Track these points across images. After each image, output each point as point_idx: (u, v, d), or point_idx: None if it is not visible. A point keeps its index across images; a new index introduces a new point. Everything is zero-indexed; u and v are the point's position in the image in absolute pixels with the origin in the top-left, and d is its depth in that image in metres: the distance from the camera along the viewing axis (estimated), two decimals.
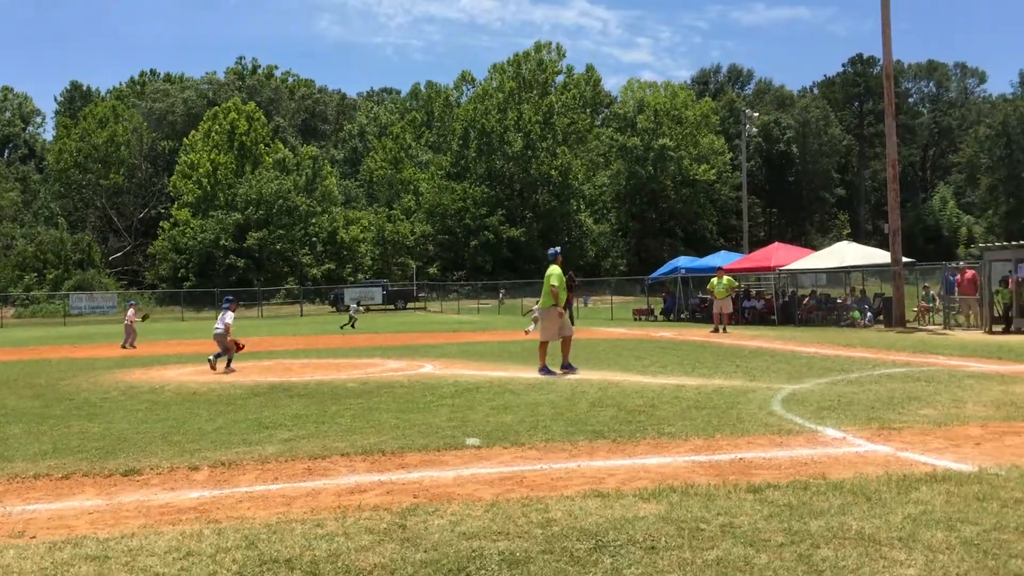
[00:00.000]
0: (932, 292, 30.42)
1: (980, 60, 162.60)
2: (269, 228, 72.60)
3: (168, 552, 4.97)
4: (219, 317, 17.17)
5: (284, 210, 73.83)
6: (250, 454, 7.84)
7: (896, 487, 6.13)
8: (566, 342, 14.68)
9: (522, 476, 6.79)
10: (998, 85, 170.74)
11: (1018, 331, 23.58)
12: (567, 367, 14.36)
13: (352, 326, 35.93)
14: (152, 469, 7.33)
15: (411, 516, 5.62)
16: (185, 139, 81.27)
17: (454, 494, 6.23)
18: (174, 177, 78.92)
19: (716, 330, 26.42)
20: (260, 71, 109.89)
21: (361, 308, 42.78)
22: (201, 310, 60.75)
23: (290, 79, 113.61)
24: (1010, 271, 25.03)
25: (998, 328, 24.54)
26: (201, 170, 77.06)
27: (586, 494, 6.11)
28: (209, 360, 16.44)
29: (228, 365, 16.60)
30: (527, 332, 26.03)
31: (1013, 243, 27.90)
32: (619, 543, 5.00)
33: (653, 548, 4.91)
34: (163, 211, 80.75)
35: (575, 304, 36.06)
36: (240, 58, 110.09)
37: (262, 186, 74.00)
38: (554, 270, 14.82)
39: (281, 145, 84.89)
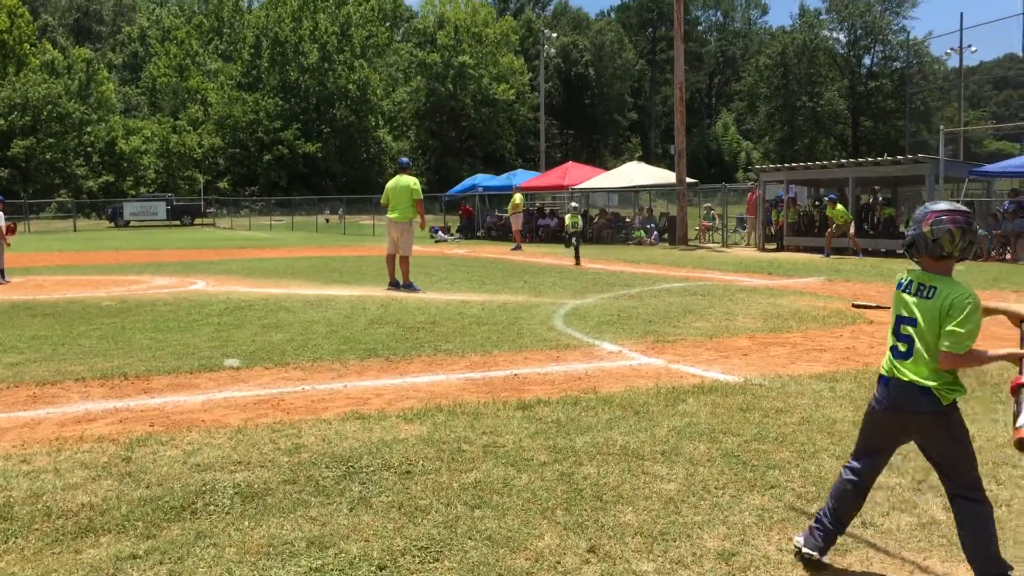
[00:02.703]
0: (713, 212, 31.74)
1: None
2: (37, 136, 66.23)
3: None
4: None
5: (54, 117, 67.48)
6: None
7: (664, 400, 6.05)
8: (404, 260, 13.97)
9: (280, 399, 6.24)
10: (778, 17, 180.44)
11: (787, 248, 24.98)
12: (409, 286, 13.72)
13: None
14: None
15: (140, 447, 4.96)
16: None
17: (198, 420, 5.60)
18: None
19: (517, 247, 26.58)
20: None
21: (445, 235, 36.28)
22: None
23: None
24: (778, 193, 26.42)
25: (771, 246, 25.93)
26: None
27: (346, 416, 5.65)
28: None
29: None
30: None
31: (785, 166, 29.45)
32: (372, 469, 4.59)
33: (408, 473, 4.54)
34: None
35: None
36: None
37: (28, 90, 67.16)
38: (413, 181, 14.00)
39: (50, 46, 77.21)
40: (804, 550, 3.43)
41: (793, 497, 4.19)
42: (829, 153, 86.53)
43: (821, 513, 3.49)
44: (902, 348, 3.28)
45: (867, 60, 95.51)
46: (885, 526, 3.85)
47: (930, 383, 3.18)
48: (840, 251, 22.18)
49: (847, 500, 3.45)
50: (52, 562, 3.48)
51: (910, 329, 3.25)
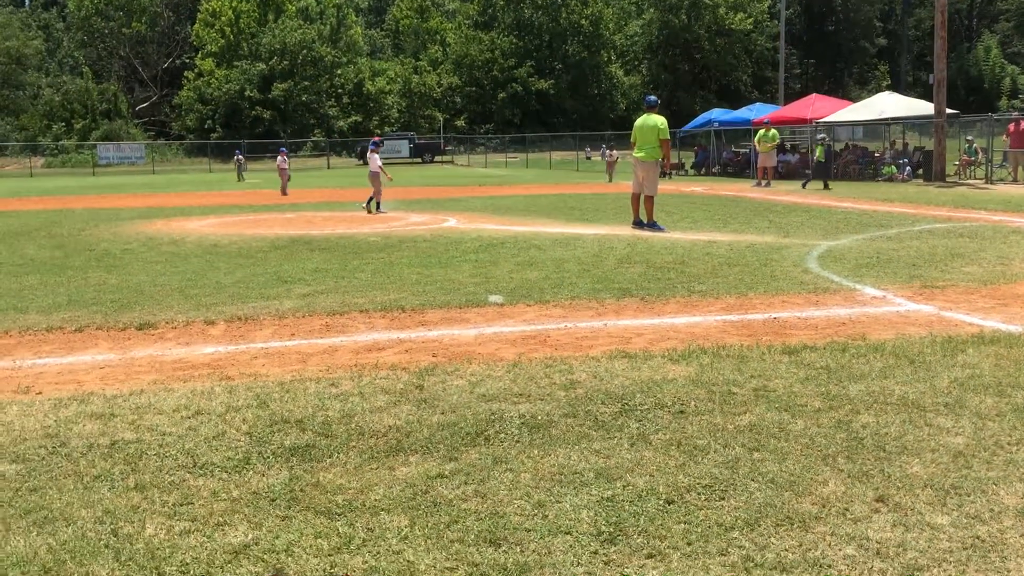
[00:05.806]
0: (975, 145, 29.31)
1: None
2: (294, 79, 71.15)
3: (176, 410, 4.79)
4: (369, 160, 18.93)
5: (309, 60, 72.13)
6: (267, 309, 7.64)
7: (941, 349, 5.80)
8: (648, 200, 14.01)
9: (546, 335, 6.53)
10: None
11: None
12: (652, 225, 13.80)
13: None
14: (167, 323, 7.15)
15: (429, 376, 5.39)
16: None
17: (475, 353, 5.99)
18: (196, 26, 77.02)
19: (759, 184, 25.76)
20: None
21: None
22: (228, 161, 60.22)
23: None
24: None
25: None
26: (223, 18, 75.13)
27: (612, 355, 5.84)
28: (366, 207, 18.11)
29: (378, 207, 18.03)
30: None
31: None
32: (646, 407, 4.75)
33: (682, 412, 4.66)
34: (187, 61, 79.10)
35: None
36: None
37: (285, 35, 72.07)
38: (661, 120, 13.89)
39: None
40: None
41: None
42: None
43: None
44: None
45: None
46: None
47: None
48: None
49: None
50: (372, 477, 3.89)
51: None
